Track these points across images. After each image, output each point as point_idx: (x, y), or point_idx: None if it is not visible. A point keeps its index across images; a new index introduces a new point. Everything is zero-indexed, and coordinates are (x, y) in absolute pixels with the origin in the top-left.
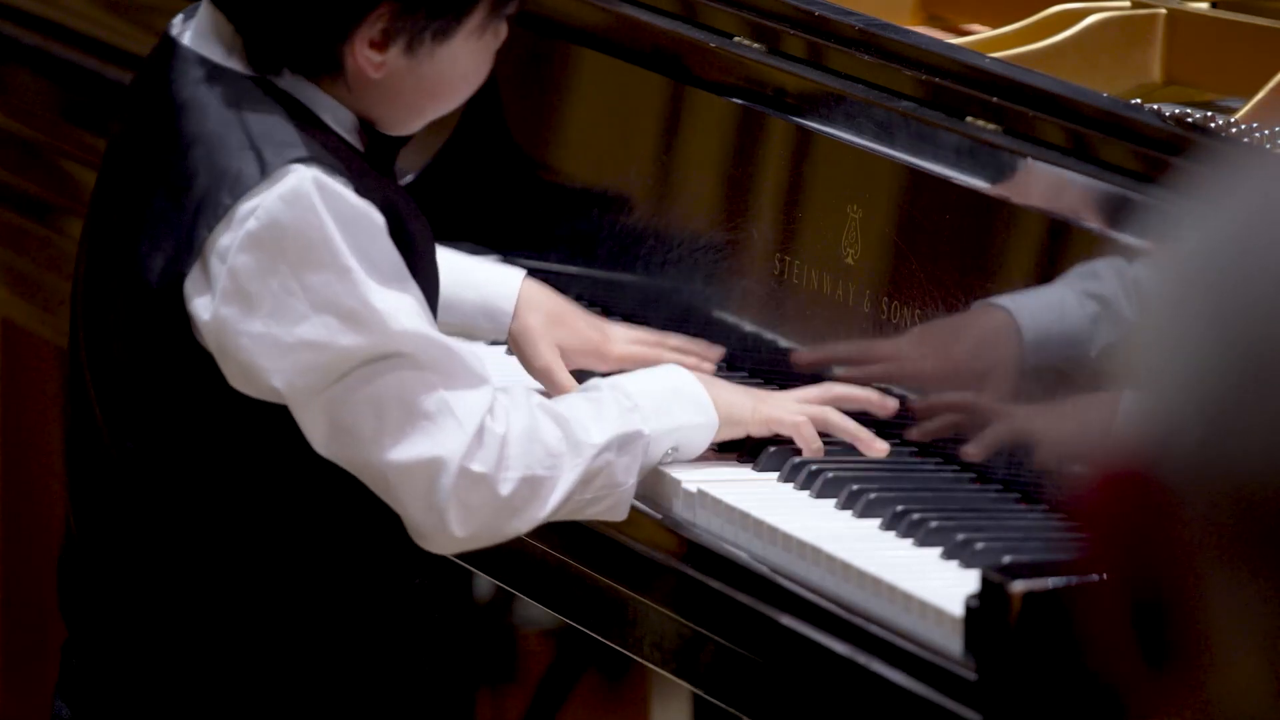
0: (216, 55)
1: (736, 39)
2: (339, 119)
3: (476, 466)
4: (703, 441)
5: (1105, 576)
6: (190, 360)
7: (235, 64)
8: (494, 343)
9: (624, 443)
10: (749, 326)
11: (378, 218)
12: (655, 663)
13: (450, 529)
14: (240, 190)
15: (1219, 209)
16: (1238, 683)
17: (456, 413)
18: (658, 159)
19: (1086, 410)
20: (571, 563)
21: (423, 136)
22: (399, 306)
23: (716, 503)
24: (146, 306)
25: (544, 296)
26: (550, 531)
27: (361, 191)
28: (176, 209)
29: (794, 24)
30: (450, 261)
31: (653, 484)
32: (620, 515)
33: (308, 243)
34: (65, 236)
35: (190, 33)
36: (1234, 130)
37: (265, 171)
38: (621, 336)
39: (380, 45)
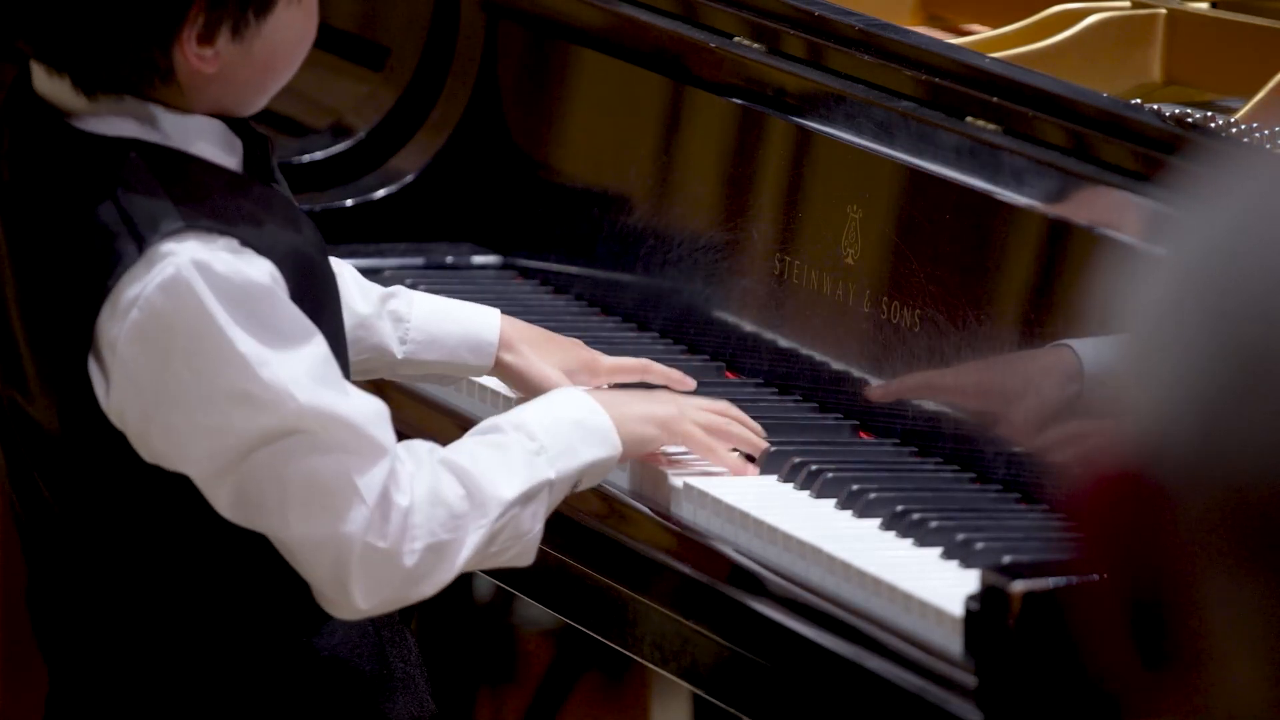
0: (81, 119)
1: (736, 39)
2: (207, 135)
3: (380, 543)
4: (607, 470)
5: (1101, 578)
6: (103, 428)
7: (95, 125)
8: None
9: (530, 495)
10: (749, 326)
11: (266, 281)
12: (655, 663)
13: (355, 602)
14: (120, 272)
15: (1218, 209)
16: (1235, 683)
17: (359, 488)
18: (658, 159)
19: (1085, 409)
20: (571, 563)
21: (423, 136)
22: (296, 379)
23: (716, 502)
24: (55, 374)
25: (525, 327)
26: (550, 531)
27: (253, 240)
28: (62, 286)
29: (794, 24)
30: (430, 302)
31: (653, 484)
32: (527, 561)
33: (194, 331)
34: None
35: (44, 81)
36: (1234, 130)
37: (142, 250)
38: (605, 357)
39: (207, 39)
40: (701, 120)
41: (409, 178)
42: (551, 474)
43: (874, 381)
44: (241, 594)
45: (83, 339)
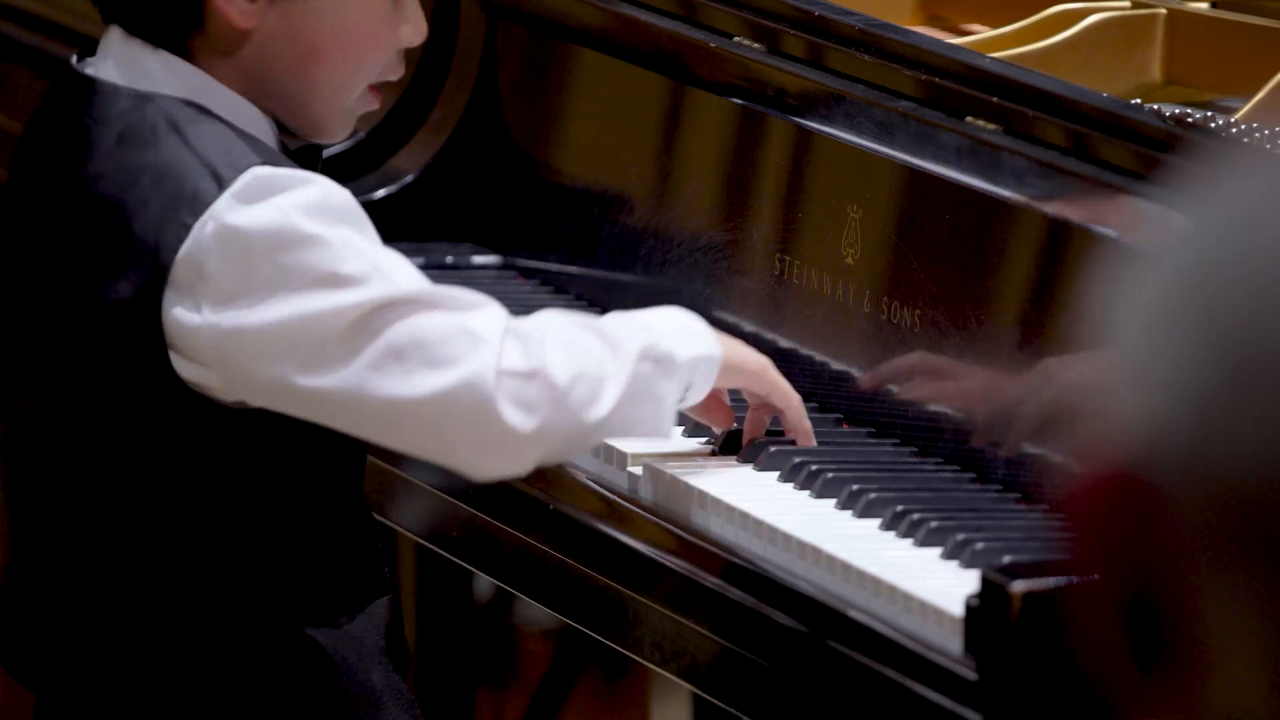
0: (140, 83)
1: (736, 39)
2: (259, 129)
3: (515, 364)
4: (711, 378)
5: (1097, 579)
6: (159, 390)
7: (157, 85)
8: None
9: (658, 357)
10: (749, 326)
11: (337, 189)
12: (655, 663)
13: (515, 427)
14: (200, 208)
15: (1217, 209)
16: (1231, 683)
17: (478, 332)
18: (658, 159)
19: (1083, 408)
20: (571, 563)
21: (423, 136)
22: (385, 259)
23: (716, 502)
24: (113, 339)
25: None
26: (550, 531)
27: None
28: (132, 239)
29: (794, 24)
30: None
31: (653, 484)
32: (666, 432)
33: (274, 228)
34: None
35: (101, 67)
36: (1234, 130)
37: (222, 186)
38: None
39: None
40: (701, 120)
41: (409, 178)
42: (678, 355)
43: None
44: (232, 596)
45: (161, 280)
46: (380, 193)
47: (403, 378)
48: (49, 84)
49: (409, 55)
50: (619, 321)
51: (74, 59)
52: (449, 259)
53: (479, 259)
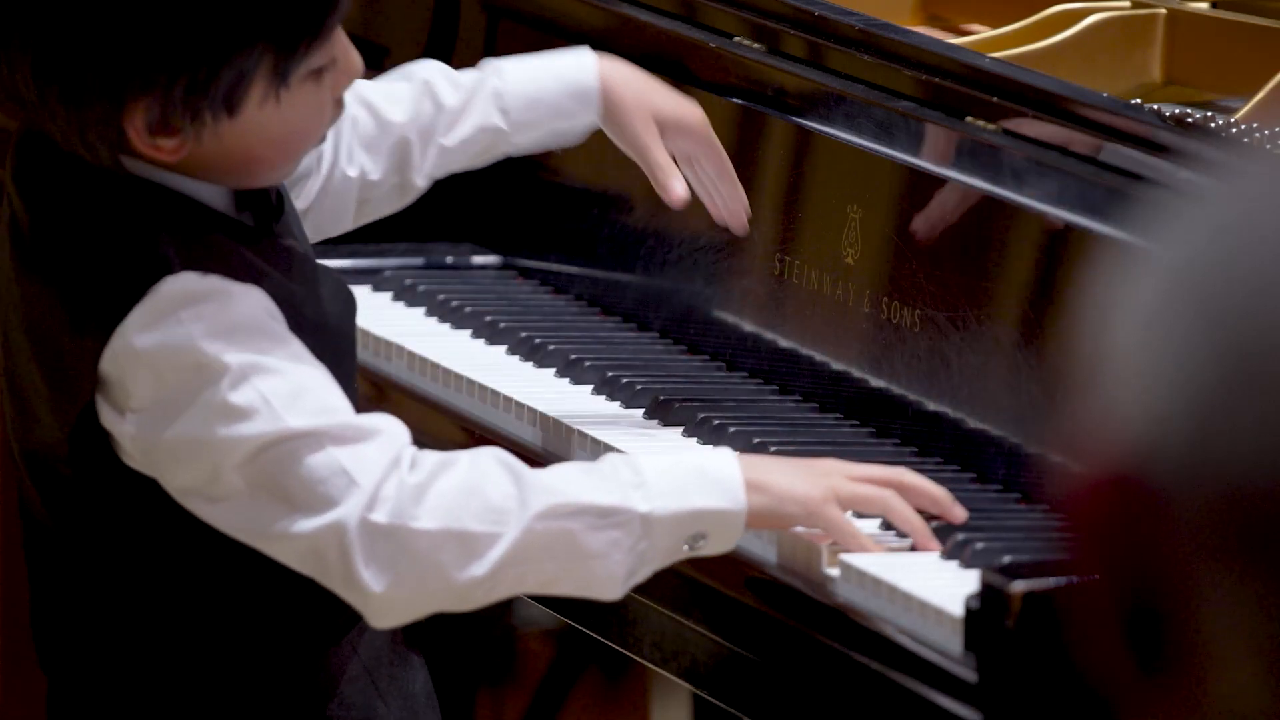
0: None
1: (736, 39)
2: (214, 197)
3: (379, 517)
4: (731, 527)
5: (1096, 580)
6: (112, 470)
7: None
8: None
9: (603, 513)
10: (749, 326)
11: (253, 302)
12: (655, 663)
13: (367, 585)
14: (120, 315)
15: (1216, 209)
16: (1231, 686)
17: (352, 473)
18: None
19: (1082, 408)
20: None
21: None
22: (272, 391)
23: None
24: (64, 422)
25: (623, 68)
26: None
27: (248, 279)
28: (69, 337)
29: (794, 24)
30: (520, 67)
31: None
32: (606, 594)
33: (174, 347)
34: None
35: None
36: (1234, 130)
37: (141, 294)
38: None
39: (165, 132)
40: None
41: None
42: (644, 507)
43: (874, 382)
44: (242, 617)
45: (90, 371)
46: None
47: (284, 518)
48: None
49: (409, 55)
50: (594, 471)
51: None
52: (449, 259)
53: (479, 259)
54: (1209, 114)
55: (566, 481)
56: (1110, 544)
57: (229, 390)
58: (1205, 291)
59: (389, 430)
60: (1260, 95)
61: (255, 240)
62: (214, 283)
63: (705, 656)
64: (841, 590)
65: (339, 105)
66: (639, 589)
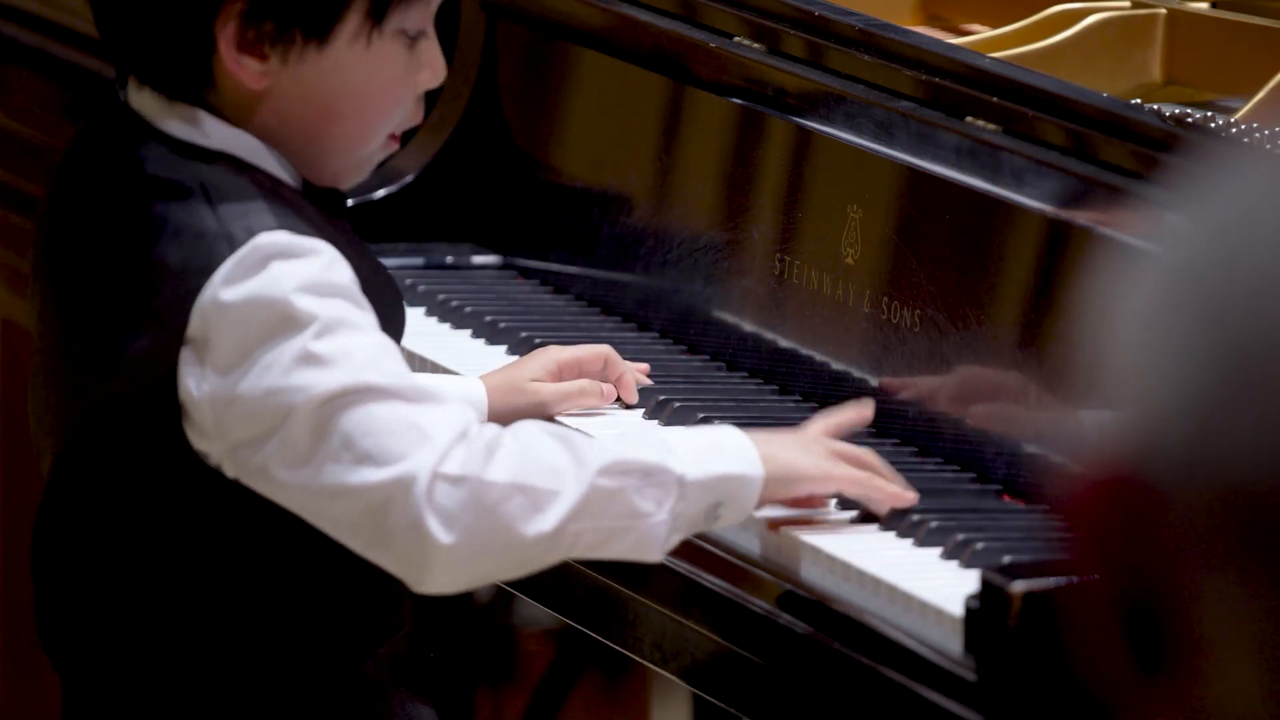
0: (173, 128)
1: (736, 39)
2: (286, 175)
3: (453, 469)
4: (749, 495)
5: (1095, 580)
6: (172, 447)
7: (189, 134)
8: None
9: (648, 472)
10: (749, 326)
11: (338, 263)
12: (655, 663)
13: (435, 537)
14: (212, 270)
15: (1216, 209)
16: (1230, 686)
17: (424, 428)
18: (658, 159)
19: (1081, 409)
20: (571, 563)
21: (423, 136)
22: (354, 345)
23: None
24: (129, 393)
25: (498, 379)
26: None
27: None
28: (154, 294)
29: (794, 24)
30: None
31: None
32: (652, 555)
33: (264, 299)
34: None
35: (142, 102)
36: (1234, 130)
37: (233, 247)
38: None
39: (252, 51)
40: (701, 120)
41: (409, 178)
42: (679, 469)
43: (874, 381)
44: (268, 622)
45: (175, 340)
46: (380, 193)
47: (350, 467)
48: (50, 86)
49: None
50: (627, 436)
51: (119, 87)
52: (449, 259)
53: (479, 259)
54: (1209, 114)
55: (610, 442)
56: (1110, 544)
57: (313, 339)
58: (1205, 291)
59: (458, 403)
60: (1260, 95)
61: (329, 221)
62: (305, 241)
63: (705, 656)
64: (841, 590)
65: (419, 105)
66: (639, 589)
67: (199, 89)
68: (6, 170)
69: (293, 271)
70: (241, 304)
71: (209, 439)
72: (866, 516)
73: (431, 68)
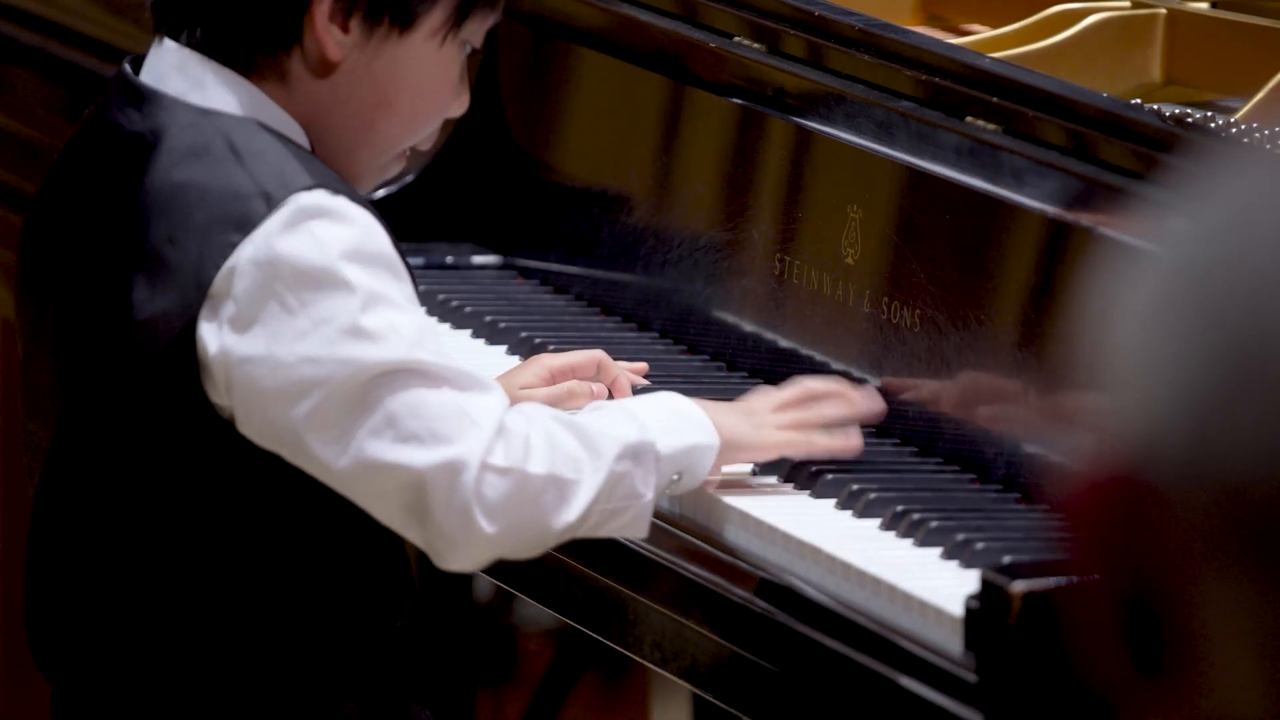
0: (198, 97)
1: (736, 39)
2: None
3: (499, 460)
4: (706, 464)
5: (1095, 580)
6: (190, 412)
7: (216, 101)
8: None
9: (638, 453)
10: (749, 326)
11: (379, 230)
12: (655, 663)
13: (479, 525)
14: (248, 228)
15: (1216, 209)
16: (1230, 686)
17: (473, 416)
18: (658, 159)
19: (1081, 409)
20: (571, 563)
21: None
22: (401, 321)
23: (716, 503)
24: (145, 355)
25: None
26: None
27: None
28: (175, 255)
29: (794, 24)
30: None
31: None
32: (641, 531)
33: (308, 263)
34: None
35: (159, 78)
36: (1234, 130)
37: (271, 208)
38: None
39: (341, 22)
40: (701, 120)
41: (409, 178)
42: (657, 444)
43: (874, 381)
44: (262, 622)
45: (199, 297)
46: (380, 193)
47: (393, 445)
48: (50, 86)
49: None
50: (602, 414)
51: (127, 66)
52: (449, 259)
53: (479, 259)
54: (1209, 114)
55: (602, 424)
56: (1110, 544)
57: (360, 312)
58: (1205, 292)
59: (499, 389)
60: (1260, 95)
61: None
62: (346, 205)
63: (705, 656)
64: (841, 590)
65: (437, 133)
66: (639, 589)
67: (283, 46)
68: (6, 170)
69: (335, 236)
70: (281, 262)
71: (227, 395)
72: (873, 512)
73: (463, 99)
